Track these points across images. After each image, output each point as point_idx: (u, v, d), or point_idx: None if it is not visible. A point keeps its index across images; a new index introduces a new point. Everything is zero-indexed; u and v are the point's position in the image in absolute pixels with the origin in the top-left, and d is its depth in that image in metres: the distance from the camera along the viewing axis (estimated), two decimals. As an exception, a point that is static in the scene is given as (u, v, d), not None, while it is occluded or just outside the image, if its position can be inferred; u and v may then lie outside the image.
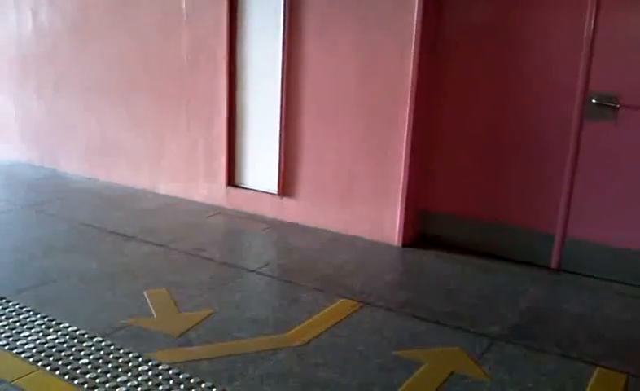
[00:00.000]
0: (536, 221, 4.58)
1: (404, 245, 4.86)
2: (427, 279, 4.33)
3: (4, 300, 3.66)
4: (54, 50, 6.75)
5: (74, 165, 6.78)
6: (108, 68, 6.34)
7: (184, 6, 5.66)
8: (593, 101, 4.26)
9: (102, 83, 6.42)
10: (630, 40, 4.12)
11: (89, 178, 6.59)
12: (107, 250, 4.64)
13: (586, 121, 4.31)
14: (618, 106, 4.20)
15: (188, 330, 3.38)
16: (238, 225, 5.34)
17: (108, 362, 3.00)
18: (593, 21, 4.18)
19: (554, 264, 4.56)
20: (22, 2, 6.90)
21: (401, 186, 4.78)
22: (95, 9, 6.34)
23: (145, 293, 3.84)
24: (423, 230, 5.01)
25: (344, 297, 3.89)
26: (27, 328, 3.32)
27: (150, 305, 3.67)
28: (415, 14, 4.54)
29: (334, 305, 3.78)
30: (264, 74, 5.35)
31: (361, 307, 3.76)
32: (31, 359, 3.01)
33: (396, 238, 4.87)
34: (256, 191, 5.55)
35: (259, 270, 4.33)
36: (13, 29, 7.06)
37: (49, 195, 6.03)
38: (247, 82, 5.46)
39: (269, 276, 4.25)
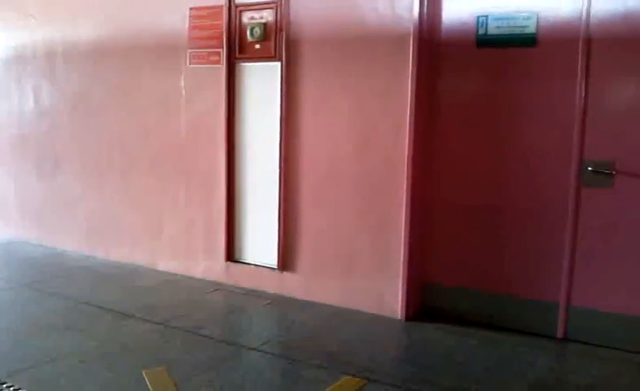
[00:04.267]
0: (539, 291, 4.53)
1: (407, 319, 4.78)
2: (431, 353, 4.23)
3: (-1, 383, 3.58)
4: (55, 129, 6.81)
5: (73, 243, 6.74)
6: (108, 146, 6.38)
7: (183, 85, 5.74)
8: (590, 169, 4.28)
9: (102, 161, 6.45)
10: (620, 105, 4.20)
11: (88, 256, 6.54)
12: (105, 329, 4.56)
13: (584, 189, 4.32)
14: (614, 172, 4.22)
15: (188, 411, 3.28)
16: (238, 301, 5.27)
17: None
18: (583, 89, 4.26)
19: (560, 333, 4.47)
20: (24, 80, 7.01)
21: (401, 259, 4.74)
22: (96, 88, 6.43)
23: (144, 373, 3.75)
24: (425, 303, 4.94)
25: (348, 374, 3.80)
26: (21, 412, 3.23)
27: (149, 386, 3.58)
28: (409, 87, 4.61)
29: (337, 383, 3.68)
30: (262, 150, 5.39)
31: (365, 384, 3.67)
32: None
33: (399, 311, 4.79)
34: (256, 265, 5.49)
35: (260, 348, 4.24)
36: (15, 107, 7.14)
37: (47, 274, 5.97)
38: (246, 158, 5.49)
39: (270, 353, 4.16)
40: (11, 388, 3.50)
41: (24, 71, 7.00)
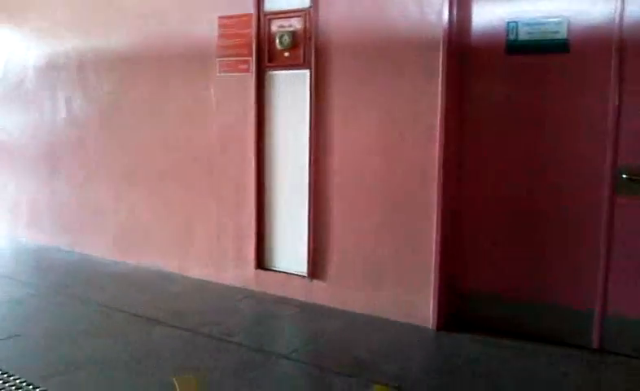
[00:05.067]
0: (573, 300, 4.44)
1: (438, 328, 4.72)
2: (463, 363, 4.18)
3: (30, 387, 3.62)
4: (87, 138, 6.89)
5: (103, 250, 6.81)
6: (139, 154, 6.44)
7: (213, 94, 5.77)
8: (624, 176, 4.19)
9: (132, 169, 6.51)
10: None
11: (119, 263, 6.59)
12: (135, 335, 4.58)
13: (619, 196, 4.22)
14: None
15: (218, 418, 3.28)
16: (267, 308, 5.26)
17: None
18: (617, 95, 4.16)
19: (595, 344, 4.37)
20: (57, 91, 7.11)
21: (433, 267, 4.69)
22: (127, 98, 6.50)
23: (174, 380, 3.75)
24: (457, 312, 4.88)
25: (379, 383, 3.76)
26: (53, 417, 3.26)
27: (179, 393, 3.59)
28: (439, 94, 4.57)
29: (368, 391, 3.66)
30: (291, 158, 5.39)
31: (396, 394, 3.64)
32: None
33: (430, 320, 4.74)
34: (286, 273, 5.48)
35: (289, 356, 4.22)
36: (47, 117, 7.24)
37: (78, 280, 6.03)
38: (276, 166, 5.50)
39: (299, 361, 4.15)
40: (44, 393, 3.54)
41: (56, 80, 7.10)
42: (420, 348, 4.48)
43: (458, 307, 4.87)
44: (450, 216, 4.73)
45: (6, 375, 3.79)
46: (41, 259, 6.90)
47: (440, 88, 4.57)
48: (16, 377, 3.77)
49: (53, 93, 7.15)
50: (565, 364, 4.14)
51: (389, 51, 4.79)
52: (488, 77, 4.66)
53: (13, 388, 3.64)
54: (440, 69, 4.56)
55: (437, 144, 4.60)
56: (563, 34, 4.34)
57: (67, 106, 7.02)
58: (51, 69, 7.13)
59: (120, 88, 6.54)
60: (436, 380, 3.87)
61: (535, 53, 4.45)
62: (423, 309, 4.76)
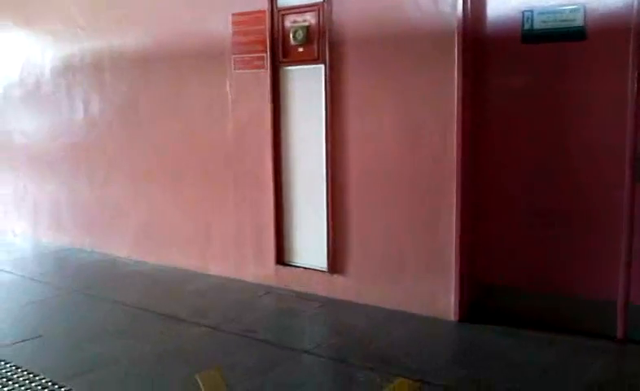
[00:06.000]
0: (596, 290, 4.40)
1: (460, 320, 4.70)
2: (486, 355, 4.16)
3: (56, 386, 3.67)
4: (105, 137, 6.94)
5: (125, 250, 6.86)
6: (157, 153, 6.48)
7: (228, 91, 5.78)
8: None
9: (151, 168, 6.55)
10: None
11: (140, 262, 6.64)
12: (157, 333, 4.62)
13: (638, 184, 4.17)
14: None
15: (243, 415, 3.30)
16: (288, 304, 5.28)
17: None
18: (636, 81, 4.10)
19: (619, 334, 4.32)
20: (74, 91, 7.16)
21: (453, 259, 4.67)
22: (143, 96, 6.54)
23: (197, 377, 3.78)
24: (479, 304, 4.86)
25: (401, 376, 3.76)
26: (81, 417, 3.30)
27: (202, 388, 3.60)
28: (455, 85, 4.54)
29: (392, 385, 3.64)
30: (308, 152, 5.39)
31: (420, 386, 3.63)
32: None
33: (451, 313, 4.72)
34: (306, 268, 5.50)
35: (312, 351, 4.24)
36: (65, 117, 7.30)
37: (100, 280, 6.09)
38: (293, 161, 5.51)
39: (322, 356, 4.16)
40: (69, 393, 3.58)
41: (73, 81, 7.15)
42: (442, 340, 4.48)
43: (479, 299, 4.85)
44: (470, 207, 4.71)
45: (31, 375, 3.85)
46: (62, 260, 6.97)
47: (456, 79, 4.54)
48: (41, 377, 3.82)
49: (70, 94, 7.20)
50: (589, 355, 4.11)
51: (404, 44, 4.77)
52: (504, 67, 4.62)
53: (39, 387, 3.69)
54: (456, 60, 4.53)
55: (455, 135, 4.58)
56: (579, 22, 4.29)
57: (85, 107, 7.07)
58: (68, 71, 7.18)
59: (137, 87, 6.58)
60: (459, 373, 3.87)
61: (551, 41, 4.41)
62: (444, 302, 4.74)
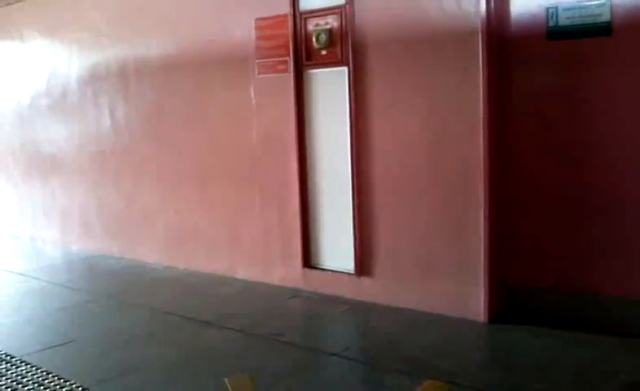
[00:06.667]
0: (628, 288, 4.34)
1: (490, 321, 4.65)
2: (517, 356, 4.13)
3: (87, 392, 3.71)
4: (131, 145, 7.02)
5: (153, 255, 6.92)
6: (183, 158, 6.53)
7: (253, 95, 5.80)
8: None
9: (178, 173, 6.60)
10: None
11: (168, 267, 6.69)
12: (186, 337, 4.66)
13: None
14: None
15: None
16: (316, 307, 5.28)
17: None
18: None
19: (652, 333, 4.29)
20: (100, 100, 7.25)
21: (482, 259, 4.62)
22: (168, 103, 6.59)
23: (226, 381, 3.80)
24: (509, 305, 4.81)
25: (431, 379, 3.74)
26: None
27: (232, 393, 3.63)
28: (481, 84, 4.50)
29: (421, 387, 3.62)
30: (334, 155, 5.39)
31: (450, 388, 3.61)
32: None
33: (481, 314, 4.67)
34: (333, 271, 5.49)
35: (340, 354, 4.23)
36: (92, 126, 7.40)
37: (129, 285, 6.16)
38: (318, 164, 5.51)
39: (351, 359, 4.16)
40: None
41: (99, 90, 7.24)
42: (472, 342, 4.44)
43: (509, 300, 4.81)
44: (498, 207, 4.67)
45: (62, 381, 3.90)
46: (92, 266, 7.05)
47: (481, 78, 4.50)
48: (72, 382, 3.87)
49: (96, 102, 7.29)
50: (621, 354, 4.06)
51: (428, 44, 4.74)
52: (529, 65, 4.58)
53: (70, 393, 3.74)
54: (481, 59, 4.49)
55: (481, 135, 4.53)
56: (605, 17, 4.24)
57: (111, 114, 7.15)
58: (94, 79, 7.27)
59: (162, 94, 6.64)
60: (489, 374, 3.85)
61: (577, 37, 4.36)
62: (474, 303, 4.70)
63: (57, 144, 7.90)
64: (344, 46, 5.15)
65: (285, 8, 5.46)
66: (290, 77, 5.51)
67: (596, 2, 4.27)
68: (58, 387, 3.82)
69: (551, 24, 4.45)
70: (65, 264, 7.28)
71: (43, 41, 7.88)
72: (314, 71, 5.42)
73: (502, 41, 4.61)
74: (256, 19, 5.70)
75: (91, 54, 7.27)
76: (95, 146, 7.40)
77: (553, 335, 4.40)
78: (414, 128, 4.88)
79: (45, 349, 4.52)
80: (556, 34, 4.44)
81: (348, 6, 5.09)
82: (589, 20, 4.31)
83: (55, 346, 4.56)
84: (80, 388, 3.79)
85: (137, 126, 6.92)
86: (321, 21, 5.28)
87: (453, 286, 4.81)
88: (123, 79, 6.96)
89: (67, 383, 3.87)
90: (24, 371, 4.08)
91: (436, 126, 4.77)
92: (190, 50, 6.29)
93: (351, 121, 5.18)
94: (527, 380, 3.72)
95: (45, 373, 4.03)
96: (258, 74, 5.76)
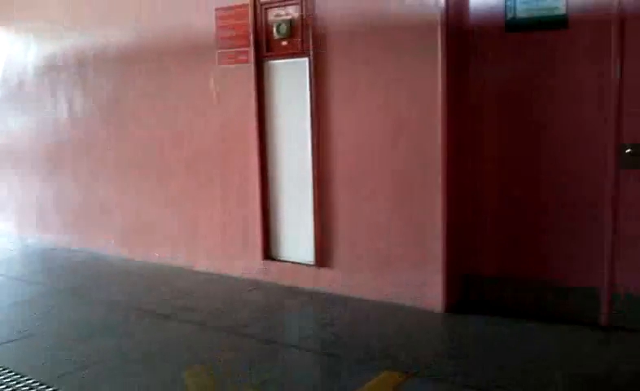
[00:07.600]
0: (581, 278, 4.43)
1: (447, 311, 4.71)
2: (473, 346, 4.18)
3: (43, 386, 3.65)
4: (89, 136, 6.90)
5: (112, 247, 6.84)
6: (142, 149, 6.45)
7: (213, 86, 5.76)
8: (628, 151, 4.17)
9: (136, 165, 6.52)
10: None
11: (127, 259, 6.61)
12: (145, 331, 4.61)
13: (623, 172, 4.20)
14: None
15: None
16: (276, 299, 5.27)
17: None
18: (619, 69, 4.13)
19: (603, 321, 4.37)
20: (58, 90, 7.11)
21: (440, 250, 4.68)
22: (128, 93, 6.50)
23: (185, 374, 3.78)
24: (466, 295, 4.88)
25: (389, 369, 3.77)
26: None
27: (190, 386, 3.60)
28: (439, 76, 4.54)
29: (378, 378, 3.66)
30: (294, 146, 5.38)
31: (406, 378, 3.64)
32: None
33: (439, 304, 4.73)
34: (293, 263, 5.49)
35: (299, 345, 4.24)
36: (49, 116, 7.26)
37: (86, 278, 6.07)
38: (278, 155, 5.49)
39: (309, 350, 4.16)
40: (57, 393, 3.57)
41: (56, 79, 7.10)
42: (429, 332, 4.48)
43: (467, 290, 4.87)
44: (455, 198, 4.72)
45: (18, 376, 3.83)
46: (49, 259, 6.93)
47: (440, 70, 4.54)
48: (28, 378, 3.81)
49: (54, 93, 7.15)
50: (574, 342, 4.15)
51: (387, 35, 4.76)
52: (488, 57, 4.63)
53: (26, 388, 3.67)
54: (440, 51, 4.52)
55: (440, 127, 4.58)
56: (561, 10, 4.31)
57: (69, 105, 7.02)
58: (51, 69, 7.13)
59: (121, 85, 6.54)
60: (446, 363, 3.88)
61: (534, 30, 4.42)
62: (432, 293, 4.75)
63: (13, 135, 7.73)
64: (305, 36, 5.14)
65: (245, -2, 5.43)
66: (250, 68, 5.48)
67: (552, -4, 4.34)
68: (14, 383, 3.75)
69: (509, 16, 4.50)
70: (21, 257, 7.14)
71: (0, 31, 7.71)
72: (275, 62, 5.39)
73: (461, 33, 4.65)
74: (217, 9, 5.64)
75: (48, 43, 7.13)
76: (52, 137, 7.26)
77: (509, 324, 4.48)
78: (373, 120, 4.90)
79: (0, 344, 4.43)
80: (514, 26, 4.50)
81: (308, -3, 5.08)
82: (545, 13, 4.37)
83: (11, 341, 4.48)
84: (36, 384, 3.72)
85: (95, 117, 6.81)
86: (281, 12, 5.26)
87: (411, 276, 4.85)
88: (81, 69, 6.84)
89: (24, 378, 3.80)
90: (-22, 368, 4.00)
91: (395, 118, 4.79)
92: (150, 40, 6.21)
93: (311, 113, 5.18)
94: (481, 368, 3.77)
95: (0, 368, 3.95)
96: (219, 64, 5.72)
